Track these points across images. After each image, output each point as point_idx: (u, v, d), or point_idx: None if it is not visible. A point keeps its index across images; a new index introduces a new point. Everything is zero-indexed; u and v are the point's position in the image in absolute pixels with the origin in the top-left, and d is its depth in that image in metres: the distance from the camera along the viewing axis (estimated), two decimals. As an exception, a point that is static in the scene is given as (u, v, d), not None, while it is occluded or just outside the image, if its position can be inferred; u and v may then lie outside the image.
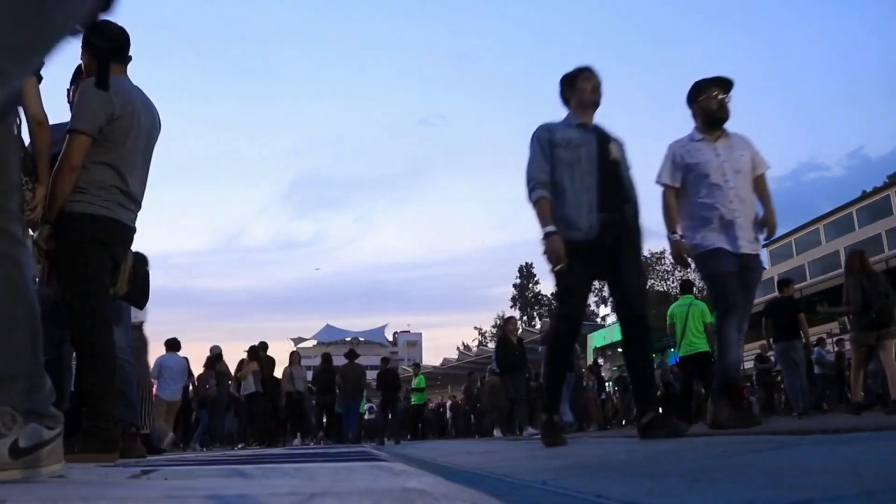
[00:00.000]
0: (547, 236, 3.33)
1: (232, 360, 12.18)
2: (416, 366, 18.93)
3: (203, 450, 9.79)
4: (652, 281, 47.33)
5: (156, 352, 8.66)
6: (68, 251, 2.79)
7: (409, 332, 72.48)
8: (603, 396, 14.83)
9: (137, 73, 3.11)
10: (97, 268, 2.83)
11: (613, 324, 18.42)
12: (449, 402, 24.05)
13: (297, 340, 57.23)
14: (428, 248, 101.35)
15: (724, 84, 3.90)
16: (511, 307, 60.93)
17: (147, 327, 5.90)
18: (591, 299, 58.98)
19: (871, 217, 32.26)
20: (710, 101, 3.85)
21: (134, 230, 3.02)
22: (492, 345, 51.60)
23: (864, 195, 35.11)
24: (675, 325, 7.80)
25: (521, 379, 10.34)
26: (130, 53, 3.09)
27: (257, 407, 10.94)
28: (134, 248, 3.17)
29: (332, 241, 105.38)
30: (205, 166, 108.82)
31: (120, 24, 3.06)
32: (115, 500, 0.88)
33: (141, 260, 5.84)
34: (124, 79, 3.02)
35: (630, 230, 3.45)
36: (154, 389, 7.90)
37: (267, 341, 11.98)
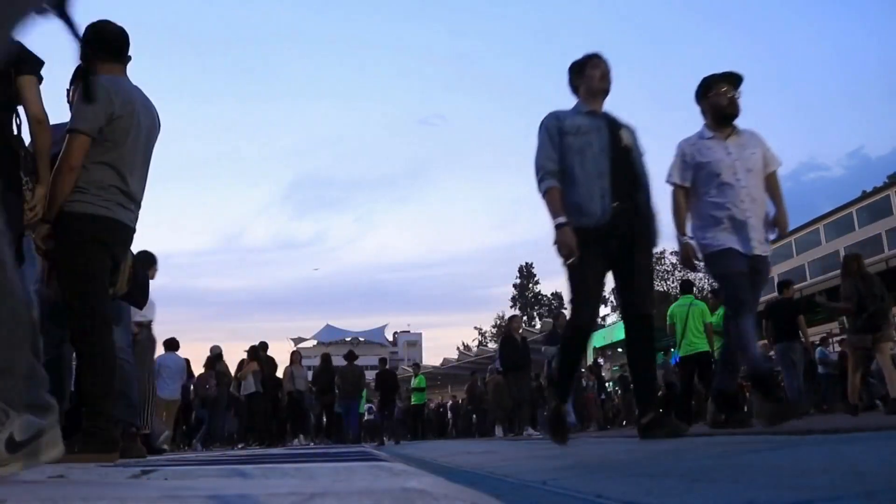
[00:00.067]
0: (558, 227, 3.25)
1: (232, 360, 12.20)
2: (416, 366, 18.93)
3: (204, 450, 9.79)
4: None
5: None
6: (68, 251, 2.79)
7: (409, 332, 72.46)
8: (603, 396, 14.83)
9: (137, 73, 3.12)
10: (97, 268, 2.83)
11: (613, 324, 18.44)
12: (449, 402, 24.06)
13: (297, 340, 57.21)
14: (428, 248, 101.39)
15: (734, 79, 3.82)
16: (511, 307, 60.90)
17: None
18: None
19: (871, 217, 32.26)
20: (719, 97, 3.77)
21: (134, 230, 3.02)
22: (492, 345, 51.70)
23: (864, 195, 35.11)
24: (675, 325, 7.79)
25: (525, 378, 10.25)
26: (130, 53, 3.09)
27: (257, 407, 10.94)
28: (137, 248, 3.17)
29: (332, 241, 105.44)
30: (205, 166, 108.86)
31: (119, 24, 3.06)
32: (115, 500, 0.88)
33: (149, 259, 5.88)
34: (124, 79, 3.02)
35: (644, 225, 3.38)
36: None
37: (267, 341, 11.99)
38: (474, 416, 17.36)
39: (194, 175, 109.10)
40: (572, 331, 3.50)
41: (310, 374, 12.85)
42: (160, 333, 6.79)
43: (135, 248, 3.37)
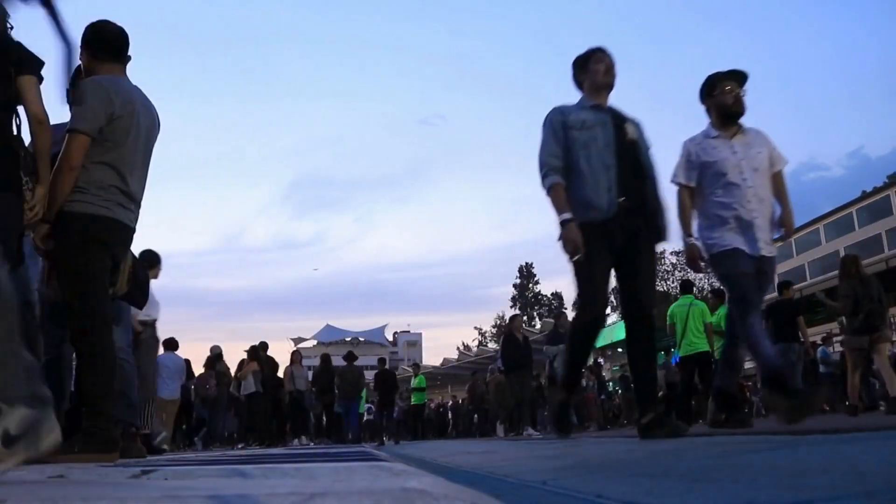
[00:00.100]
0: (563, 224, 3.22)
1: (232, 360, 12.21)
2: (416, 366, 18.93)
3: (205, 450, 9.79)
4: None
5: (155, 352, 8.64)
6: (68, 251, 2.79)
7: (409, 332, 72.48)
8: (602, 396, 14.83)
9: (137, 73, 3.11)
10: (97, 268, 2.83)
11: (613, 323, 18.40)
12: (450, 402, 24.06)
13: (297, 340, 57.20)
14: (428, 248, 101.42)
15: (739, 77, 3.76)
16: (511, 307, 60.92)
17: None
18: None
19: (871, 217, 32.29)
20: (724, 95, 3.70)
21: (134, 230, 3.02)
22: (492, 345, 51.71)
23: (864, 195, 35.14)
24: (675, 325, 7.80)
25: (527, 377, 10.23)
26: (130, 53, 3.09)
27: (257, 407, 10.94)
28: (138, 248, 3.17)
29: (332, 241, 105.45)
30: (205, 166, 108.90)
31: (119, 24, 3.06)
32: (115, 500, 0.88)
33: (154, 258, 5.88)
34: (123, 79, 3.02)
35: (651, 221, 3.35)
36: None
37: (267, 341, 12.00)
38: (475, 416, 17.37)
39: (194, 175, 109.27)
40: (581, 325, 3.45)
41: (310, 374, 12.86)
42: (161, 333, 6.79)
43: (136, 248, 3.38)
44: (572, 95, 3.60)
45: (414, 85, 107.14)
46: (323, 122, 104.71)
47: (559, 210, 3.26)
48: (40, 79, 2.66)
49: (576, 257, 3.21)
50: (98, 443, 2.63)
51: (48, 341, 3.45)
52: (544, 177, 3.34)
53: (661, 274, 49.48)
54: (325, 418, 13.17)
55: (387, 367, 13.72)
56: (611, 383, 18.12)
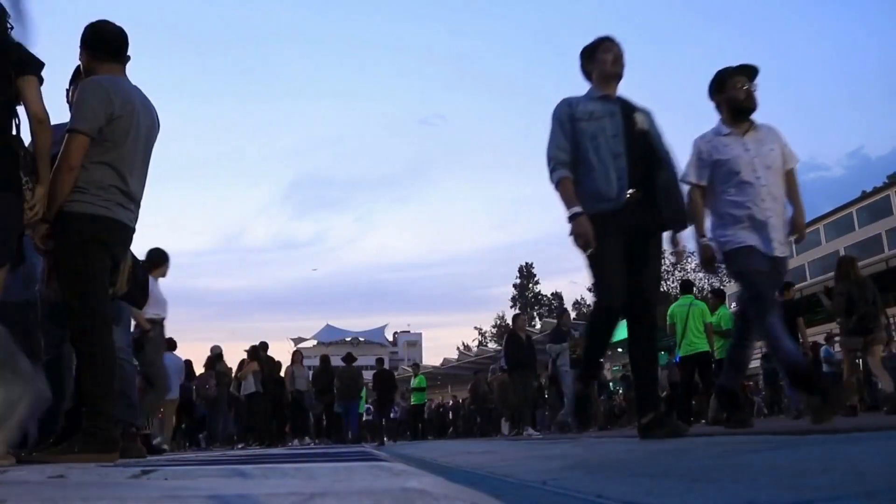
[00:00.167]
0: (573, 218, 3.16)
1: (232, 360, 12.20)
2: (416, 366, 18.93)
3: (205, 450, 9.80)
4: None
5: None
6: (68, 251, 2.79)
7: (409, 332, 72.47)
8: (602, 397, 14.82)
9: (137, 73, 3.11)
10: (97, 268, 2.83)
11: (613, 324, 18.33)
12: (450, 402, 24.05)
13: (297, 340, 57.21)
14: (428, 248, 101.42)
15: (750, 72, 3.65)
16: (511, 307, 60.94)
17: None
18: (591, 299, 59.10)
19: (871, 217, 32.30)
20: (735, 91, 3.61)
21: (134, 230, 3.02)
22: (492, 345, 51.71)
23: (864, 195, 35.15)
24: (675, 325, 7.80)
25: (530, 376, 10.21)
26: (129, 53, 3.09)
27: (257, 407, 10.94)
28: (142, 247, 3.17)
29: (332, 241, 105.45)
30: (205, 166, 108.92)
31: (118, 24, 3.06)
32: (115, 500, 0.88)
33: (161, 257, 5.89)
34: (123, 79, 3.02)
35: (668, 209, 3.28)
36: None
37: (267, 341, 11.99)
38: (478, 416, 17.35)
39: (194, 175, 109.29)
40: (600, 313, 3.36)
41: (310, 374, 12.87)
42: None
43: (136, 248, 3.37)
44: (572, 94, 3.53)
45: (414, 85, 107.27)
46: (323, 122, 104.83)
47: (568, 204, 3.21)
48: (41, 80, 2.66)
49: (587, 250, 3.16)
50: (98, 443, 2.63)
51: (48, 341, 3.45)
52: (552, 171, 3.29)
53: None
54: (325, 418, 13.16)
55: (385, 367, 13.72)
56: (611, 383, 18.10)
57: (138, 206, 3.02)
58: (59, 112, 2.91)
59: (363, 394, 13.92)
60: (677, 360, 8.56)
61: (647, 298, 3.31)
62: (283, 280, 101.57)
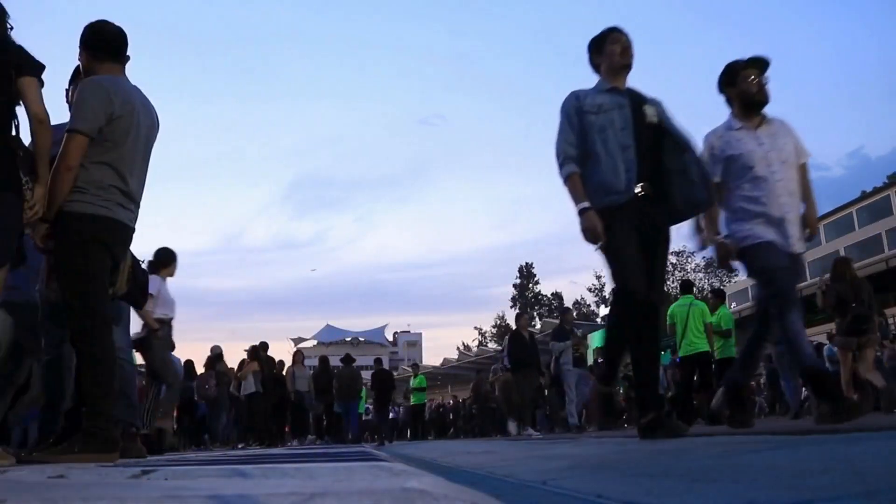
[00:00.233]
0: (581, 213, 3.12)
1: (232, 360, 12.21)
2: (416, 366, 18.93)
3: (207, 449, 9.80)
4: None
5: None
6: (68, 251, 2.79)
7: (409, 332, 72.52)
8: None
9: (137, 73, 3.11)
10: (97, 268, 2.83)
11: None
12: (450, 402, 24.05)
13: (297, 340, 57.27)
14: (428, 248, 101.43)
15: (762, 64, 3.56)
16: (511, 307, 60.95)
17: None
18: (591, 299, 59.00)
19: (871, 217, 32.31)
20: (747, 84, 3.51)
21: (133, 230, 3.02)
22: (492, 345, 51.69)
23: (864, 195, 35.15)
24: (675, 325, 7.80)
25: (533, 375, 10.19)
26: (129, 53, 3.09)
27: (257, 407, 10.94)
28: (143, 248, 3.17)
29: (332, 241, 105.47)
30: (205, 166, 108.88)
31: (118, 24, 3.06)
32: (115, 500, 0.88)
33: (169, 256, 5.88)
34: (123, 78, 3.02)
35: (671, 212, 3.24)
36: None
37: (267, 341, 12.00)
38: (480, 415, 17.33)
39: (194, 175, 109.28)
40: (624, 301, 3.23)
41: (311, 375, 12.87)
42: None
43: (140, 248, 3.38)
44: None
45: (414, 85, 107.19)
46: (323, 122, 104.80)
47: (576, 199, 3.17)
48: (41, 83, 2.67)
49: (597, 245, 3.12)
50: (98, 443, 2.63)
51: (48, 341, 3.45)
52: (561, 166, 3.25)
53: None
54: (325, 419, 13.17)
55: (383, 367, 13.73)
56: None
57: (138, 206, 3.02)
58: (58, 112, 2.91)
59: (363, 394, 13.93)
60: (678, 360, 8.56)
61: (655, 298, 3.25)
62: (283, 280, 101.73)
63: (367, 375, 15.24)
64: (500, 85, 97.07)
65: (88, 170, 2.79)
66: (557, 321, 12.75)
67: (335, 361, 13.74)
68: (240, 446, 10.71)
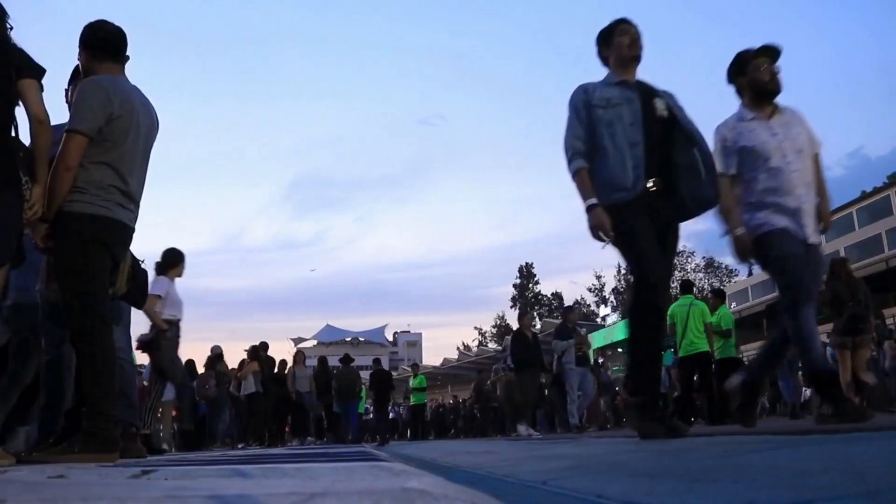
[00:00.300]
0: (589, 209, 3.08)
1: (232, 360, 12.21)
2: (415, 366, 18.93)
3: (207, 449, 9.80)
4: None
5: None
6: (68, 251, 2.79)
7: (409, 332, 72.45)
8: (605, 398, 14.81)
9: (137, 73, 3.12)
10: (97, 268, 2.83)
11: (614, 324, 18.40)
12: (450, 402, 24.05)
13: (297, 340, 57.23)
14: (428, 248, 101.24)
15: (773, 52, 3.48)
16: (511, 307, 60.92)
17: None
18: (591, 299, 58.95)
19: (871, 217, 32.26)
20: (759, 72, 3.43)
21: (133, 230, 3.02)
22: (492, 345, 51.65)
23: (864, 195, 35.11)
24: (675, 325, 7.80)
25: (536, 375, 10.18)
26: (128, 53, 3.09)
27: (257, 407, 10.95)
28: (141, 248, 3.18)
29: (332, 241, 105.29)
30: (205, 166, 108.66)
31: (117, 24, 3.06)
32: (115, 500, 0.88)
33: (177, 257, 5.87)
34: (122, 78, 3.02)
35: (680, 208, 3.19)
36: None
37: (267, 341, 12.00)
38: (481, 415, 17.33)
39: (194, 175, 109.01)
40: (645, 290, 3.09)
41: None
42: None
43: (140, 248, 3.38)
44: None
45: (414, 85, 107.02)
46: (323, 122, 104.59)
47: (584, 196, 3.12)
48: (41, 87, 2.67)
49: (604, 242, 3.08)
50: (98, 443, 2.63)
51: (48, 341, 3.45)
52: (569, 161, 3.20)
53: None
54: (325, 419, 13.18)
55: (382, 367, 13.72)
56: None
57: (138, 206, 3.02)
58: (58, 112, 2.91)
59: (363, 394, 13.93)
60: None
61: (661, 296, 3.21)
62: (283, 280, 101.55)
63: (366, 375, 15.27)
64: (500, 85, 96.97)
65: (88, 170, 2.79)
66: (558, 321, 12.75)
67: (334, 362, 13.75)
68: (240, 446, 10.71)
